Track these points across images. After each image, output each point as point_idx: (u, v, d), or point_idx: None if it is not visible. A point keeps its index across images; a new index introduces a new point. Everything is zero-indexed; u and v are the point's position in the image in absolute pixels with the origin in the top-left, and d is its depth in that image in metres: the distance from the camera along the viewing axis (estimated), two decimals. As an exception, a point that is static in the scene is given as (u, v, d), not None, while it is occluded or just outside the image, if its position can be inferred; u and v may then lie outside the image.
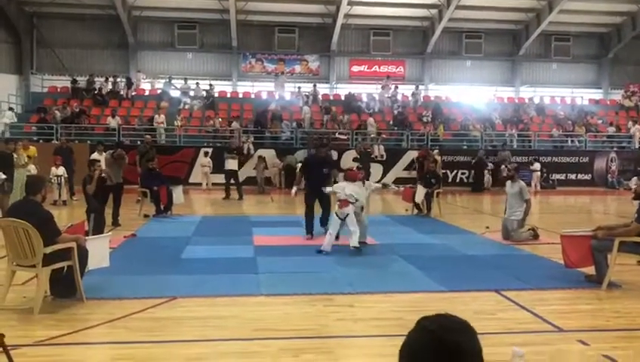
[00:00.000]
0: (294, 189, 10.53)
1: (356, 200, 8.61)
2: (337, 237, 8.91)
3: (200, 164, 20.69)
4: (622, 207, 15.89)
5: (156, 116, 22.43)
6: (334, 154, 20.65)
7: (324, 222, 9.95)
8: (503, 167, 20.66)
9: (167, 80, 25.76)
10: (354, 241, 8.45)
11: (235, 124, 22.68)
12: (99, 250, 6.24)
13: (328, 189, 9.21)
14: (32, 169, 13.52)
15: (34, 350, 4.54)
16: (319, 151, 11.52)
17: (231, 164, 17.46)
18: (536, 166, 21.66)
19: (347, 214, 8.47)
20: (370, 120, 23.34)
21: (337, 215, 8.57)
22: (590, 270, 6.81)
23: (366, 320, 5.34)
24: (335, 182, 9.86)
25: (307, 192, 10.22)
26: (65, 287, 5.84)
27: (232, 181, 17.27)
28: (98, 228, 9.03)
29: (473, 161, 21.81)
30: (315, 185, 9.87)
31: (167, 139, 22.38)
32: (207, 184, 20.45)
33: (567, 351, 4.64)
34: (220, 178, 18.41)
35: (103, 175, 10.01)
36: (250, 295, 6.12)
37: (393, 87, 26.90)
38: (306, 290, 6.28)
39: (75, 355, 4.49)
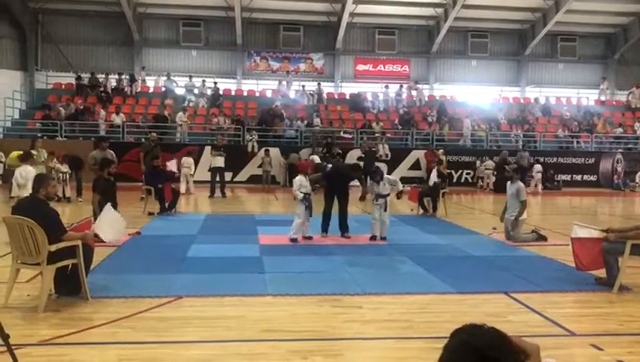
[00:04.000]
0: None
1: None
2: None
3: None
4: (628, 209, 15.78)
5: (180, 114, 22.22)
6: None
7: (344, 227, 9.74)
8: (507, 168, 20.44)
9: (167, 77, 25.65)
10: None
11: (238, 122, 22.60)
12: (115, 223, 6.58)
13: (391, 177, 9.96)
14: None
15: (38, 349, 4.48)
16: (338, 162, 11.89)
17: (217, 161, 17.32)
18: (537, 167, 21.45)
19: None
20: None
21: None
22: (601, 273, 6.72)
23: (375, 321, 5.25)
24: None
25: (326, 193, 10.00)
26: (70, 286, 5.78)
27: (218, 178, 17.16)
28: None
29: (496, 161, 21.51)
30: (338, 192, 9.80)
31: (172, 136, 22.31)
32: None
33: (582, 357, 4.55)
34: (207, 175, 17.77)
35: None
36: (256, 295, 6.04)
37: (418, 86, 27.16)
38: (314, 291, 6.20)
39: (79, 355, 4.41)
